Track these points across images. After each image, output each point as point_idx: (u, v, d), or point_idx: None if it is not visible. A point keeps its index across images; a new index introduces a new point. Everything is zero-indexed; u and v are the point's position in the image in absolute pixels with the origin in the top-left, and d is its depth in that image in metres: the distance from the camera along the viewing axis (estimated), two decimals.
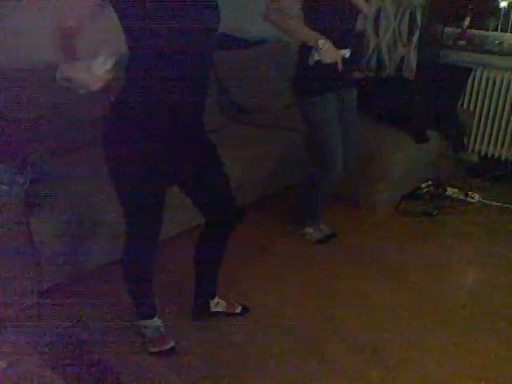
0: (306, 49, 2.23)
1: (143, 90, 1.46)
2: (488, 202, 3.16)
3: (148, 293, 1.86)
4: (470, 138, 3.67)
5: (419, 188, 3.23)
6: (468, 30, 3.60)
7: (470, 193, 3.19)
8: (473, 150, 3.72)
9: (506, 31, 3.53)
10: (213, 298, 2.09)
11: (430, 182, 3.25)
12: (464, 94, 3.57)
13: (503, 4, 3.45)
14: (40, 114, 2.37)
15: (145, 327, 1.92)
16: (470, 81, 3.52)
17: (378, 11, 3.70)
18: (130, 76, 1.46)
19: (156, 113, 1.48)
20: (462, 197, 3.19)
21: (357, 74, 3.60)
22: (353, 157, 2.53)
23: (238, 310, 2.11)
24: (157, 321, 1.92)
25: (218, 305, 2.10)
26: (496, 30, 3.57)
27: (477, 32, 3.62)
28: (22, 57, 2.48)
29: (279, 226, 2.83)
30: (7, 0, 2.41)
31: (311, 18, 2.20)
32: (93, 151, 2.42)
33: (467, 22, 3.57)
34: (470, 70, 3.45)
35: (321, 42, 2.10)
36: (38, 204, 2.00)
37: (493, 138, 3.63)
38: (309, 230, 2.71)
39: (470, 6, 3.55)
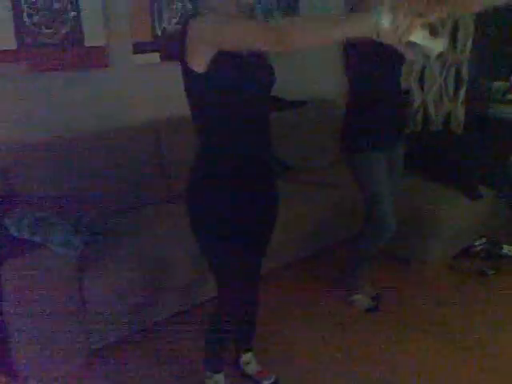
0: (353, 104, 2.24)
1: (219, 157, 1.54)
2: None
3: (226, 345, 1.89)
4: None
5: (473, 245, 3.11)
6: None
7: None
8: None
9: None
10: (246, 351, 2.02)
11: (484, 240, 3.12)
12: None
13: None
14: (93, 174, 2.50)
15: (212, 380, 1.89)
16: None
17: (423, 67, 3.71)
18: (203, 142, 1.55)
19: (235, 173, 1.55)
20: None
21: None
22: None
23: (268, 382, 2.00)
24: (222, 377, 1.90)
25: (248, 364, 2.02)
26: None
27: None
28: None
29: (326, 287, 2.74)
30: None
31: (353, 66, 2.20)
32: (144, 211, 2.59)
33: None
34: None
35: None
36: (92, 265, 2.06)
37: None
38: (358, 297, 2.59)
39: None
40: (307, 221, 2.84)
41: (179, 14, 3.01)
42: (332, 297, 2.65)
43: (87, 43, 2.68)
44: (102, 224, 2.29)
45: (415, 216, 2.83)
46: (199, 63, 1.38)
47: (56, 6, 2.56)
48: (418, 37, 1.06)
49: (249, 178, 1.57)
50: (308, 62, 3.53)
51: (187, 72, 1.42)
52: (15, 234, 1.92)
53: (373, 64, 2.14)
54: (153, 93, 2.92)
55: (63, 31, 2.60)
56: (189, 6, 3.04)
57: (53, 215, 2.03)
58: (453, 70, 3.59)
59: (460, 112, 3.62)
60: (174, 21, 2.99)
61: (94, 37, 2.69)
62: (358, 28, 1.08)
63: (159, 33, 2.94)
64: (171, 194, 2.73)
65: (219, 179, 1.54)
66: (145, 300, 2.23)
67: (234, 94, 1.44)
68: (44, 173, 2.36)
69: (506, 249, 3.08)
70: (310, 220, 2.85)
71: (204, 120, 1.52)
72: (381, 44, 1.09)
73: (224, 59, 1.37)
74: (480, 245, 3.11)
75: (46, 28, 2.55)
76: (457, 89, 3.61)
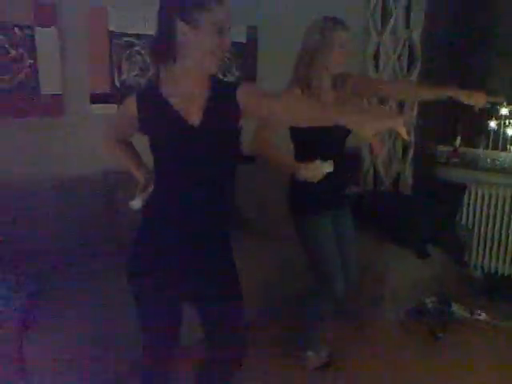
0: (301, 156, 2.22)
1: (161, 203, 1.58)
2: (495, 321, 3.07)
3: None
4: (471, 253, 3.66)
5: (423, 303, 3.16)
6: (460, 148, 3.75)
7: (476, 311, 3.11)
8: (475, 266, 3.69)
9: (497, 149, 3.67)
10: None
11: (434, 298, 3.18)
12: (461, 210, 3.62)
13: (492, 124, 3.63)
14: (41, 224, 2.38)
15: None
16: (465, 197, 3.59)
17: None
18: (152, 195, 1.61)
19: (173, 222, 1.56)
20: (467, 314, 3.10)
21: (354, 189, 3.70)
22: (353, 275, 2.43)
23: None
24: None
25: None
26: (487, 148, 3.72)
27: (469, 150, 3.78)
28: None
29: (279, 347, 2.67)
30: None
31: (297, 135, 2.25)
32: (94, 265, 2.47)
33: (459, 140, 3.74)
34: (465, 186, 3.54)
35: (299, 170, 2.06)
36: (34, 323, 1.93)
37: (494, 253, 3.62)
38: (309, 353, 2.54)
39: (460, 126, 3.75)
40: (264, 272, 2.78)
41: (138, 67, 3.03)
42: (283, 355, 2.60)
43: (43, 91, 2.63)
44: (46, 279, 2.16)
45: (366, 274, 2.85)
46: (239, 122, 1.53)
47: (12, 53, 2.51)
48: None
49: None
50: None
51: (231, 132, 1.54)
52: None
53: (316, 133, 2.19)
54: None
55: (19, 78, 2.55)
56: (147, 59, 3.07)
57: None
58: None
59: (408, 173, 3.78)
60: (133, 73, 3.00)
61: (50, 85, 2.65)
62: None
63: (117, 84, 2.93)
64: (122, 246, 2.63)
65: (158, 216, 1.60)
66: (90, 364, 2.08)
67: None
68: None
69: (454, 307, 3.15)
70: (268, 272, 2.80)
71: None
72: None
73: None
74: (430, 303, 3.16)
75: (1, 74, 2.48)
76: (404, 151, 3.77)
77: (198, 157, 1.50)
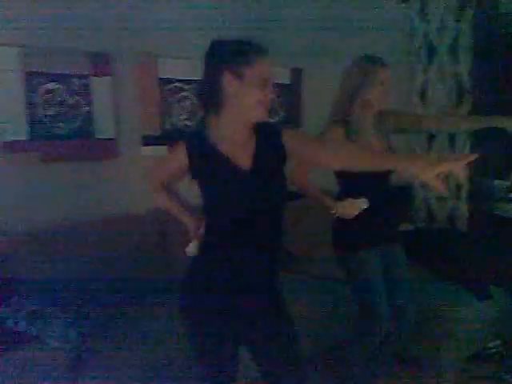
0: (346, 194, 2.21)
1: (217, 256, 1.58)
2: None
3: None
4: None
5: (487, 348, 2.95)
6: None
7: None
8: None
9: None
10: None
11: (498, 342, 2.98)
12: None
13: None
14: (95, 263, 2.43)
15: None
16: None
17: None
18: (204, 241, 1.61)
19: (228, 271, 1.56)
20: None
21: (407, 226, 3.59)
22: (408, 316, 2.34)
23: None
24: None
25: None
26: None
27: None
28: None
29: None
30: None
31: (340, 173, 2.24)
32: (147, 303, 2.48)
33: None
34: None
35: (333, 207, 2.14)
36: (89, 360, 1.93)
37: None
38: None
39: None
40: (315, 316, 2.70)
41: (187, 111, 3.12)
42: None
43: (98, 135, 2.75)
44: (101, 316, 2.18)
45: (426, 317, 2.71)
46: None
47: (70, 100, 2.65)
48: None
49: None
50: None
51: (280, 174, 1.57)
52: (11, 326, 1.83)
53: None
54: None
55: (75, 124, 2.68)
56: (195, 103, 3.16)
57: (50, 306, 1.93)
58: None
59: (463, 209, 3.63)
60: (182, 117, 3.10)
61: (104, 129, 2.77)
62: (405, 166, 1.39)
63: (168, 127, 3.03)
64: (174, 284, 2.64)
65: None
66: None
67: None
68: (44, 260, 2.30)
69: None
70: (319, 314, 2.71)
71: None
72: None
73: None
74: (494, 347, 2.95)
75: (59, 121, 2.62)
76: (459, 187, 3.65)
77: (249, 200, 1.52)
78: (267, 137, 1.57)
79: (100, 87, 2.74)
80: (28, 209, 2.51)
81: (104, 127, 2.77)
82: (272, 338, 1.61)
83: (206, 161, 1.53)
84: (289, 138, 1.57)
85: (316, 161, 1.63)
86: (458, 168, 1.29)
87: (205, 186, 1.54)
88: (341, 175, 2.26)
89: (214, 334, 1.57)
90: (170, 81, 3.02)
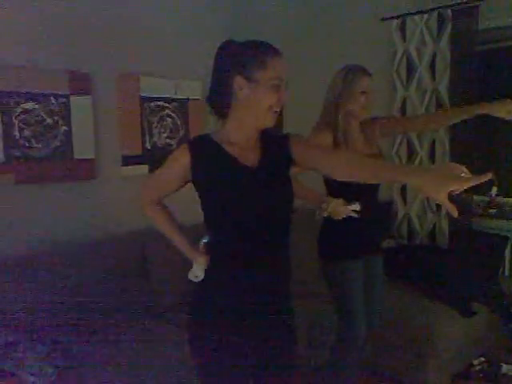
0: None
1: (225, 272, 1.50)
2: None
3: None
4: None
5: (471, 365, 2.96)
6: (497, 198, 3.63)
7: None
8: None
9: None
10: None
11: (482, 359, 2.98)
12: (504, 263, 3.46)
13: None
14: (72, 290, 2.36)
15: None
16: (508, 248, 3.43)
17: None
18: (212, 257, 1.52)
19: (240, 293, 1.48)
20: None
21: (388, 242, 3.59)
22: (375, 323, 2.39)
23: None
24: None
25: None
26: None
27: (506, 200, 3.65)
28: None
29: None
30: None
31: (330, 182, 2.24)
32: (127, 329, 2.41)
33: (494, 190, 3.62)
34: (506, 238, 3.39)
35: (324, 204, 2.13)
36: None
37: None
38: None
39: (495, 175, 3.64)
40: None
41: (169, 130, 3.08)
42: None
43: (77, 155, 2.68)
44: (79, 348, 2.10)
45: (410, 334, 2.71)
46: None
47: (48, 121, 2.59)
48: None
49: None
50: None
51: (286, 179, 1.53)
52: None
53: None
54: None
55: (53, 145, 2.61)
56: (178, 122, 3.12)
57: (26, 338, 1.85)
58: None
59: (444, 225, 3.65)
60: (164, 135, 3.05)
61: (83, 150, 2.71)
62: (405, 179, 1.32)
63: (149, 146, 2.98)
64: (155, 308, 2.59)
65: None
66: None
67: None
68: (18, 289, 2.22)
69: (505, 368, 2.94)
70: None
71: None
72: None
73: None
74: (478, 364, 2.96)
75: (36, 142, 2.55)
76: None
77: (256, 200, 1.45)
78: (275, 142, 1.54)
79: (79, 106, 2.68)
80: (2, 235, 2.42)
81: (83, 147, 2.71)
82: (280, 360, 1.56)
83: (211, 160, 1.47)
84: (296, 145, 1.53)
85: (323, 169, 1.56)
86: (468, 185, 1.20)
87: (208, 187, 1.46)
88: (331, 183, 2.26)
89: (228, 363, 1.47)
90: (151, 99, 2.98)
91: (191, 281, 1.53)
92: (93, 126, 2.73)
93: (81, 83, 2.66)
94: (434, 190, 1.19)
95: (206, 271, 1.52)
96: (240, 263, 1.47)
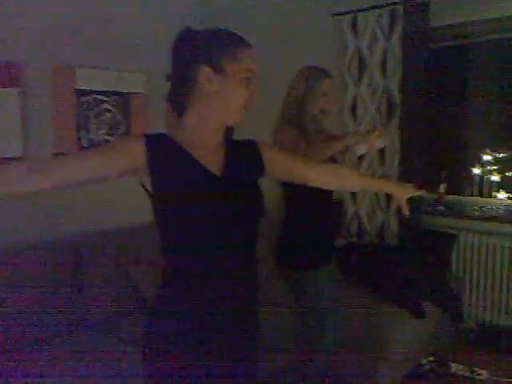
0: (290, 219, 2.16)
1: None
2: (497, 378, 2.86)
3: None
4: (463, 306, 3.47)
5: (420, 365, 2.94)
6: (445, 196, 3.64)
7: (476, 369, 2.90)
8: (469, 317, 3.50)
9: (482, 196, 3.58)
10: None
11: (431, 358, 2.98)
12: (450, 261, 3.47)
13: (476, 171, 3.55)
14: None
15: None
16: (455, 246, 3.45)
17: None
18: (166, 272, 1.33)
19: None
20: (468, 373, 2.90)
21: (339, 241, 3.54)
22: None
23: None
24: None
25: None
26: (472, 195, 3.63)
27: (454, 198, 3.67)
28: None
29: None
30: None
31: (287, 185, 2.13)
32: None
33: (443, 188, 3.64)
34: (454, 236, 3.40)
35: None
36: None
37: (488, 304, 3.44)
38: None
39: (444, 173, 3.66)
40: None
41: (107, 126, 2.88)
42: None
43: (2, 154, 2.45)
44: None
45: (361, 337, 2.65)
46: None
47: None
48: None
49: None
50: None
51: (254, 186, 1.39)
52: None
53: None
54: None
55: None
56: (119, 117, 2.93)
57: None
58: None
59: (393, 223, 3.64)
60: (102, 132, 2.85)
61: (10, 147, 2.47)
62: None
63: (85, 143, 2.77)
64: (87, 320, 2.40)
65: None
66: None
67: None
68: None
69: (453, 367, 2.94)
70: None
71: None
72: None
73: None
74: (427, 364, 2.95)
75: None
76: (389, 200, 3.65)
77: (222, 209, 1.27)
78: (241, 145, 1.41)
79: (6, 100, 2.45)
80: None
81: (9, 144, 2.47)
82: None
83: (172, 164, 1.26)
84: (269, 152, 1.44)
85: (297, 178, 1.51)
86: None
87: (167, 194, 1.24)
88: (287, 185, 2.15)
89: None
90: (89, 92, 2.77)
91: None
92: (21, 121, 2.49)
93: (7, 74, 2.43)
94: (400, 195, 1.63)
95: (159, 294, 1.34)
96: (199, 284, 1.28)
